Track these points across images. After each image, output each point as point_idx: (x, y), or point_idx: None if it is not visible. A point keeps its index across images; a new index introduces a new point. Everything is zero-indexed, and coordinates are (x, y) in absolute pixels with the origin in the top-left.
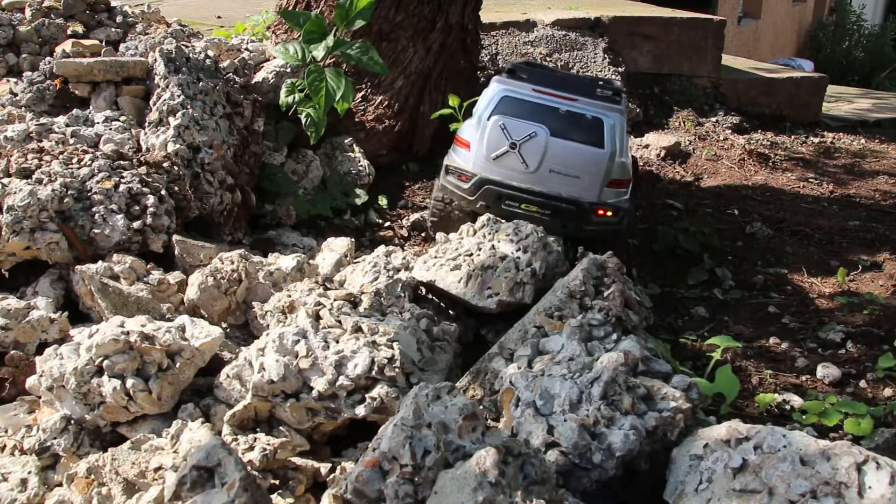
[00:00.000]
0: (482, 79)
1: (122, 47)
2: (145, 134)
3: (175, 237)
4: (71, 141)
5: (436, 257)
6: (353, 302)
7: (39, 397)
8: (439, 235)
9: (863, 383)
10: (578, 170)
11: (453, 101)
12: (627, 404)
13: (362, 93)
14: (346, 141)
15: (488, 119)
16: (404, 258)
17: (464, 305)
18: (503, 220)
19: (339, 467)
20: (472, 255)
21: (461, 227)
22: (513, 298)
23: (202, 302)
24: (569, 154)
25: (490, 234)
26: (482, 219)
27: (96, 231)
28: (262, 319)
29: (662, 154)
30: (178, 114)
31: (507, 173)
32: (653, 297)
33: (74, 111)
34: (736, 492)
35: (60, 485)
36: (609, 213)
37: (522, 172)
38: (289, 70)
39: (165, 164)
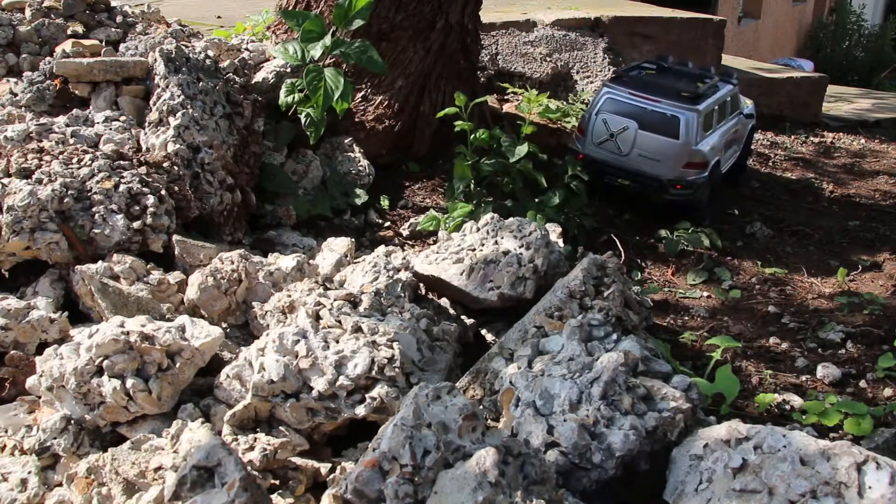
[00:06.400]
0: (482, 79)
1: (122, 47)
2: (145, 134)
3: (175, 237)
4: (71, 141)
5: (437, 252)
6: (353, 302)
7: (39, 397)
8: (441, 233)
9: (863, 383)
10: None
11: (459, 100)
12: (627, 404)
13: (362, 93)
14: (346, 141)
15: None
16: (404, 258)
17: (464, 299)
18: (505, 219)
19: (339, 467)
20: (474, 249)
21: (464, 226)
22: (514, 292)
23: (202, 302)
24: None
25: (493, 230)
26: (485, 217)
27: (96, 231)
28: (262, 319)
29: None
30: (178, 114)
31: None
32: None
33: (74, 111)
34: (736, 492)
35: (60, 485)
36: None
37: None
38: (289, 70)
39: (165, 164)
